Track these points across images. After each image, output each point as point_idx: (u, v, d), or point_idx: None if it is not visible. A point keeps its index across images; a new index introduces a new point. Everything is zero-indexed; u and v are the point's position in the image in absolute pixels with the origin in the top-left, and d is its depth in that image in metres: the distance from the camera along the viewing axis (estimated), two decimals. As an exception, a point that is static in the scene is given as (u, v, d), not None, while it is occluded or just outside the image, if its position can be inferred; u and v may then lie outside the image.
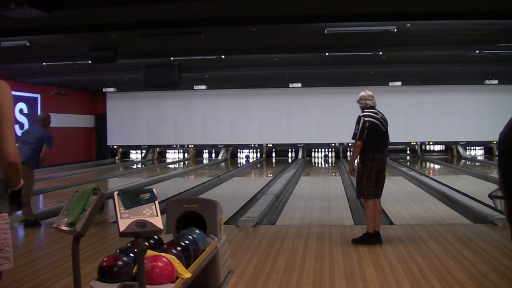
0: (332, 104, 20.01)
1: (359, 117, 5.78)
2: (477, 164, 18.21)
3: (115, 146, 21.93)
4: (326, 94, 19.92)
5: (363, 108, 5.90)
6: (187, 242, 3.57)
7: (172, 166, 19.79)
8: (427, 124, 20.28)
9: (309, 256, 5.23)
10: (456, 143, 20.79)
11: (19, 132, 13.51)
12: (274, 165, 19.23)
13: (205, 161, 21.04)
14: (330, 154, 21.05)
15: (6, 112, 2.43)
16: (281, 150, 21.25)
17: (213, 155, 21.76)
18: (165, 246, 3.49)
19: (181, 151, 22.00)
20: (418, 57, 12.68)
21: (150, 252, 3.16)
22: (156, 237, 3.55)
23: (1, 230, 2.44)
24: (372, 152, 5.67)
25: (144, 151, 22.05)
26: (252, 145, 21.20)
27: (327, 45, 10.67)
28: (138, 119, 21.63)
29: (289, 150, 21.33)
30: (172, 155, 22.30)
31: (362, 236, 5.76)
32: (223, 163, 19.81)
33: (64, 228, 2.73)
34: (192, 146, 21.62)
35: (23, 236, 6.77)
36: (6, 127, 2.43)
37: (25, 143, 7.01)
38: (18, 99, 16.53)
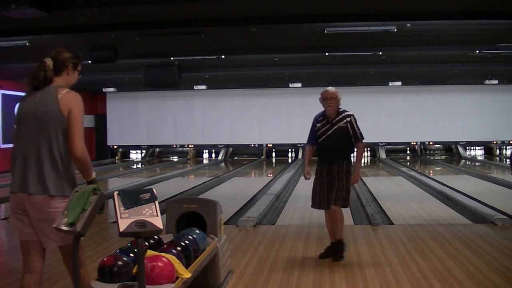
0: (332, 104, 19.96)
1: (353, 116, 5.20)
2: (477, 164, 18.21)
3: (115, 146, 21.94)
4: (326, 94, 19.86)
5: (336, 106, 5.23)
6: (187, 242, 3.57)
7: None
8: (427, 124, 20.28)
9: (309, 256, 5.23)
10: (456, 143, 20.80)
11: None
12: (274, 165, 19.24)
13: (205, 161, 21.05)
14: None
15: (76, 117, 2.99)
16: (281, 150, 21.26)
17: (213, 155, 21.78)
18: (165, 246, 3.49)
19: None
20: (418, 57, 12.68)
21: (150, 252, 3.16)
22: (156, 237, 3.55)
23: None
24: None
25: (144, 151, 22.06)
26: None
27: (327, 45, 10.67)
28: (138, 119, 21.63)
29: (289, 150, 21.34)
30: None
31: (339, 248, 5.16)
32: (223, 163, 19.82)
33: (64, 228, 2.73)
34: (192, 146, 21.62)
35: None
36: (75, 128, 2.98)
37: None
38: (18, 99, 16.47)
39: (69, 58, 3.14)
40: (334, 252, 5.12)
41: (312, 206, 5.28)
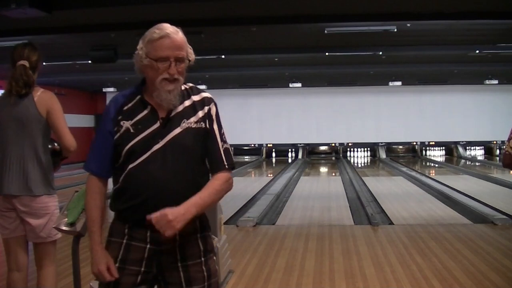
0: (332, 104, 20.01)
1: (214, 102, 2.20)
2: (477, 164, 18.21)
3: (115, 146, 21.91)
4: (326, 94, 19.92)
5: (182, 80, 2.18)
6: (187, 242, 3.56)
7: None
8: (427, 124, 20.28)
9: (309, 256, 5.23)
10: (456, 143, 20.80)
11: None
12: (274, 165, 19.23)
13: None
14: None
15: (58, 114, 3.06)
16: (281, 150, 21.25)
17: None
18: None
19: None
20: (418, 57, 12.68)
21: (150, 252, 3.15)
22: None
23: (56, 207, 3.19)
24: None
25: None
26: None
27: (327, 45, 10.66)
28: (138, 119, 21.62)
29: (289, 150, 21.34)
30: None
31: None
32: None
33: (64, 228, 2.73)
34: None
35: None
36: (61, 123, 3.06)
37: None
38: None
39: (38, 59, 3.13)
40: None
41: None
